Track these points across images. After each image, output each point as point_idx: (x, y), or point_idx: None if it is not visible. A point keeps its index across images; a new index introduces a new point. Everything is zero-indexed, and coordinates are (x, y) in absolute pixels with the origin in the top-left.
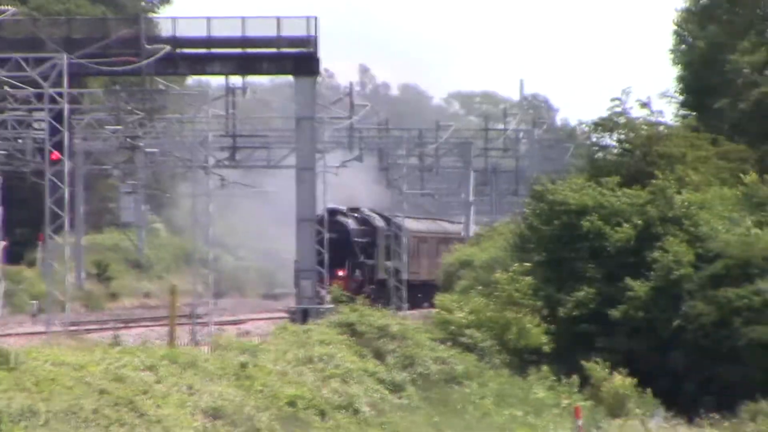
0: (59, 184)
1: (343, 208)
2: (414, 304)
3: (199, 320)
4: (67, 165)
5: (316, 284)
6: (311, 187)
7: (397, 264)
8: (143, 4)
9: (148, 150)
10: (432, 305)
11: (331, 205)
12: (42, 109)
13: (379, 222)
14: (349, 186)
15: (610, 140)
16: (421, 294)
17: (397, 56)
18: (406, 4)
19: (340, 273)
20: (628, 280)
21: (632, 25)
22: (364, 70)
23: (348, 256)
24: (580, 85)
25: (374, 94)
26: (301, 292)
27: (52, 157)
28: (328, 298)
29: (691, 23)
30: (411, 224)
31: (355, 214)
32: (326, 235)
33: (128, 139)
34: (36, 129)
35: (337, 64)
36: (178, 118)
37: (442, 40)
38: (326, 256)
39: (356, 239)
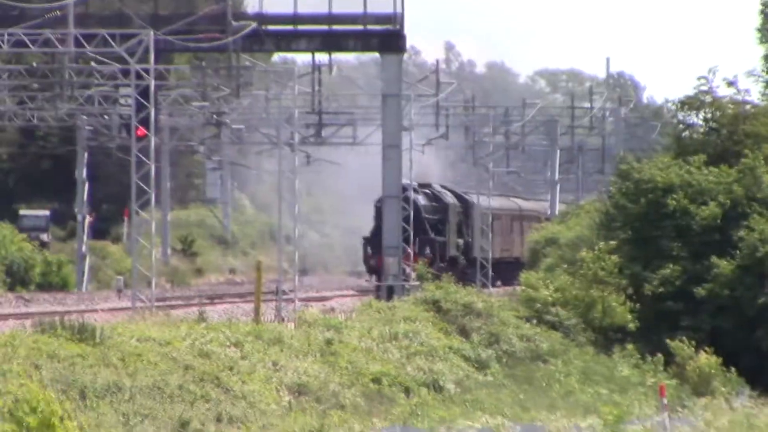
0: (145, 160)
1: (414, 184)
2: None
3: (285, 297)
4: (153, 141)
5: (402, 261)
6: (397, 164)
7: (483, 242)
8: None
9: (234, 126)
10: (505, 284)
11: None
12: (128, 85)
13: (451, 198)
14: (427, 164)
15: (696, 119)
16: (493, 273)
17: (482, 33)
18: None
19: (408, 250)
20: (714, 259)
21: (718, 3)
22: (449, 48)
23: (417, 233)
24: (666, 63)
25: (460, 72)
26: (386, 268)
27: (138, 133)
28: (413, 275)
29: None
30: (483, 201)
31: (426, 191)
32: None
33: (214, 116)
34: (122, 105)
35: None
36: (264, 95)
37: (527, 17)
38: (411, 234)
39: (426, 216)
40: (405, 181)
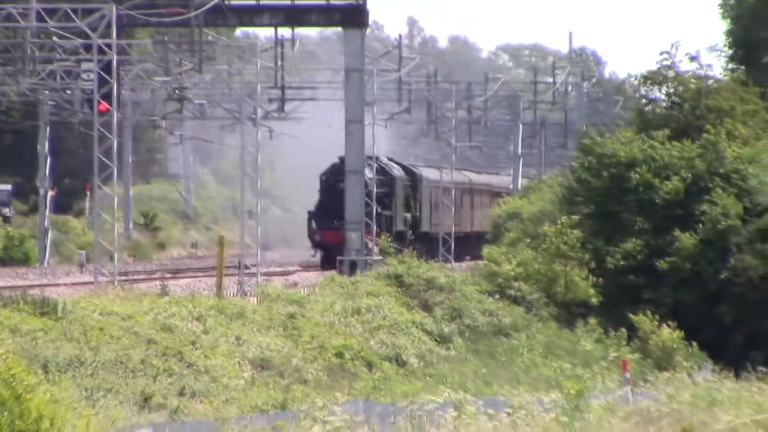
0: (108, 134)
1: None
2: (432, 256)
3: (247, 271)
4: (115, 116)
5: (363, 236)
6: (360, 139)
7: (444, 216)
8: None
9: (196, 101)
10: (456, 259)
11: (343, 154)
12: (91, 60)
13: (398, 172)
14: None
15: (659, 94)
16: (444, 248)
17: (445, 8)
18: None
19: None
20: (677, 233)
21: None
22: (412, 23)
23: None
24: (629, 38)
25: (423, 47)
26: (348, 243)
27: (100, 108)
28: (375, 250)
29: None
30: (431, 174)
31: (371, 163)
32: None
33: (176, 91)
34: (84, 80)
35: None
36: (227, 70)
37: None
38: (375, 208)
39: (373, 189)
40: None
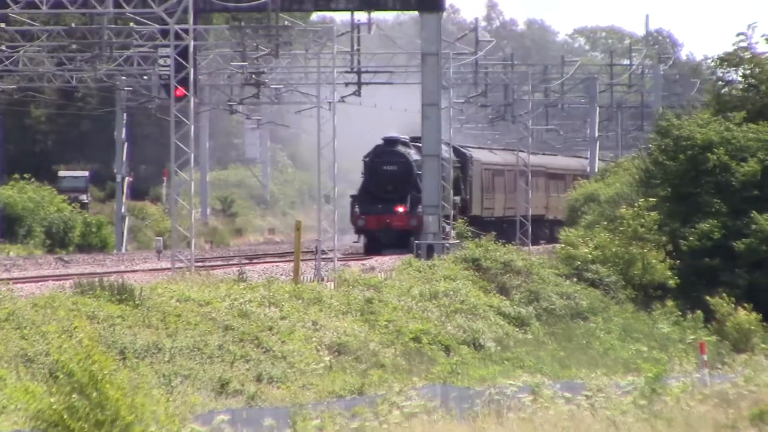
0: (184, 120)
1: (405, 137)
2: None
3: (324, 256)
4: (192, 101)
5: (440, 219)
6: (436, 123)
7: (498, 200)
8: None
9: (273, 86)
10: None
11: (390, 134)
12: (167, 46)
13: (446, 153)
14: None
15: (735, 75)
16: (496, 231)
17: None
18: None
19: (400, 209)
20: (753, 214)
21: None
22: (492, 6)
23: (410, 190)
24: (705, 19)
25: (501, 30)
26: (426, 227)
27: (177, 94)
28: (453, 233)
29: None
30: (483, 156)
31: (418, 144)
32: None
33: (253, 76)
34: (161, 65)
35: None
36: (303, 54)
37: None
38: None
39: (419, 172)
40: (394, 134)
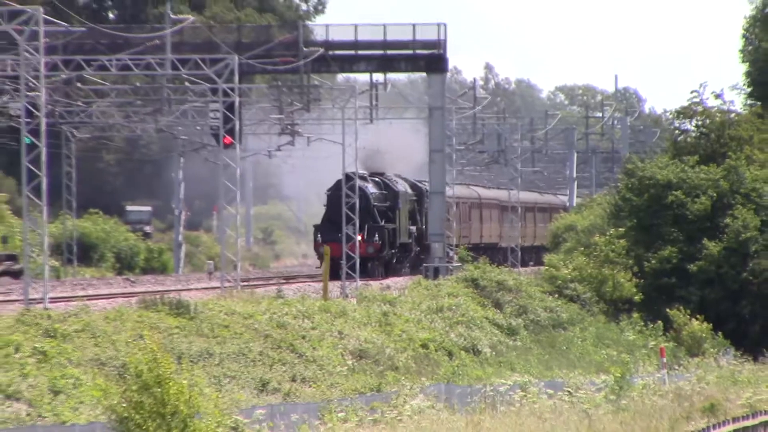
0: (231, 163)
1: (364, 172)
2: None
3: (348, 277)
4: (238, 148)
5: (445, 246)
6: (441, 166)
7: (454, 229)
8: (301, 13)
9: (305, 135)
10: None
11: (350, 170)
12: (216, 101)
13: (402, 187)
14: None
15: (689, 126)
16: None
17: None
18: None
19: (358, 237)
20: (704, 241)
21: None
22: (489, 68)
23: (366, 220)
24: (665, 79)
25: (496, 88)
26: (432, 252)
27: (225, 141)
28: (455, 258)
29: (756, 28)
30: (495, 194)
31: (376, 179)
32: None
33: (288, 126)
34: (212, 118)
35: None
36: (330, 108)
37: (549, 42)
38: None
39: (375, 204)
40: (351, 170)
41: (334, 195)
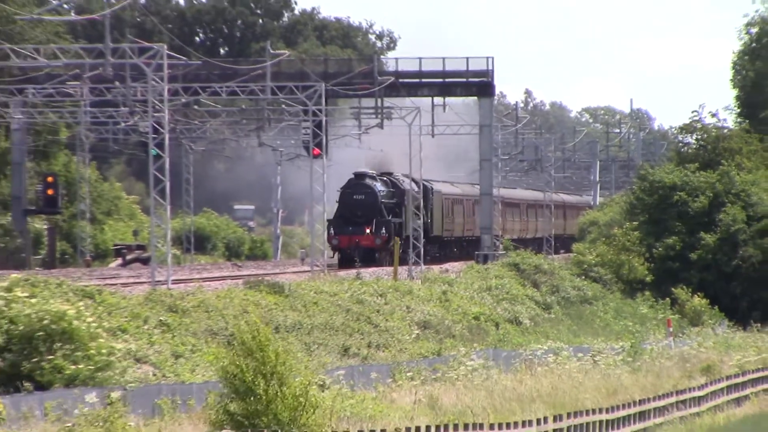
0: (319, 170)
1: (373, 172)
2: (447, 258)
3: (414, 262)
4: (324, 158)
5: (492, 237)
6: (489, 172)
7: (456, 222)
8: (376, 48)
9: (379, 148)
10: (466, 258)
11: (360, 169)
12: (307, 120)
13: (408, 185)
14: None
15: (690, 139)
16: (456, 248)
17: (550, 82)
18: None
19: (367, 231)
20: (702, 234)
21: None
22: (528, 92)
23: (374, 216)
24: (671, 101)
25: (534, 109)
26: (482, 242)
27: (314, 153)
28: (501, 246)
29: (744, 60)
30: (444, 188)
31: (384, 179)
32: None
33: (363, 138)
34: (304, 134)
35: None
36: (400, 125)
37: (578, 70)
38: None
39: (383, 200)
40: (363, 169)
41: (345, 192)
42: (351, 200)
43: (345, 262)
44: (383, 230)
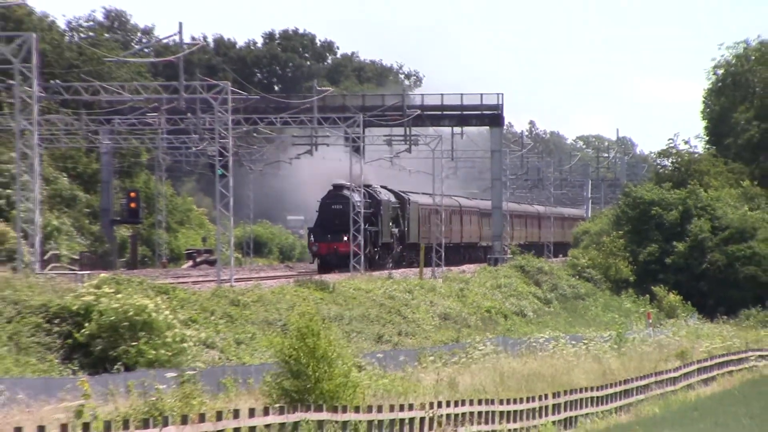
0: (356, 187)
1: (350, 184)
2: (413, 263)
3: (436, 264)
4: (362, 174)
5: (502, 244)
6: (499, 190)
7: (434, 231)
8: (404, 86)
9: (407, 168)
10: (452, 264)
11: (338, 181)
12: (348, 145)
13: (384, 196)
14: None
15: (666, 162)
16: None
17: (549, 114)
18: (557, 84)
19: (344, 238)
20: (675, 242)
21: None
22: (532, 123)
23: (352, 224)
24: (650, 130)
25: (536, 136)
26: (493, 248)
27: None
28: (508, 251)
29: (712, 96)
30: (420, 198)
31: (362, 189)
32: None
33: (394, 161)
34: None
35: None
36: (425, 149)
37: (573, 105)
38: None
39: (359, 210)
40: (340, 181)
41: (324, 203)
42: (330, 210)
43: (323, 268)
44: (359, 238)
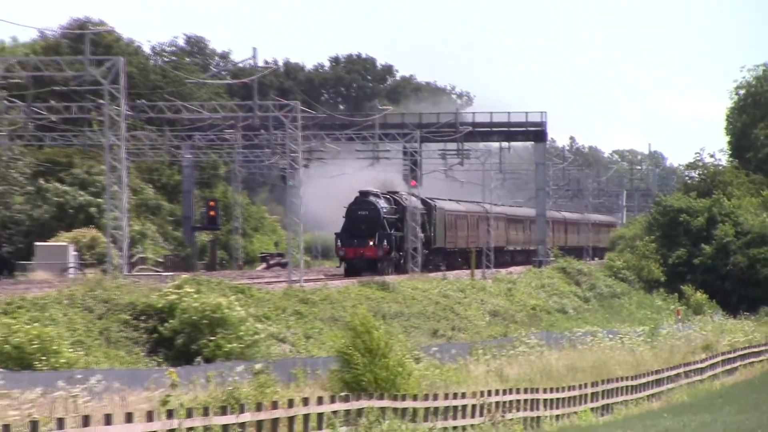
0: (415, 196)
1: (376, 190)
2: (449, 266)
3: (487, 266)
4: (419, 187)
5: (545, 248)
6: (543, 199)
7: (459, 235)
8: (457, 104)
9: (461, 180)
10: (462, 267)
11: (364, 188)
12: (406, 159)
13: (410, 202)
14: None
15: (694, 173)
16: (461, 258)
17: (589, 130)
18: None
19: (370, 242)
20: (703, 245)
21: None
22: (572, 138)
23: (378, 229)
24: (679, 144)
25: (576, 150)
26: (538, 252)
27: (412, 183)
28: (551, 254)
29: (734, 114)
30: (447, 204)
31: (388, 197)
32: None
33: (449, 174)
34: (403, 168)
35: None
36: (477, 163)
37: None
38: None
39: (385, 216)
40: (368, 188)
41: (351, 209)
42: (356, 215)
43: (350, 272)
44: (385, 242)
